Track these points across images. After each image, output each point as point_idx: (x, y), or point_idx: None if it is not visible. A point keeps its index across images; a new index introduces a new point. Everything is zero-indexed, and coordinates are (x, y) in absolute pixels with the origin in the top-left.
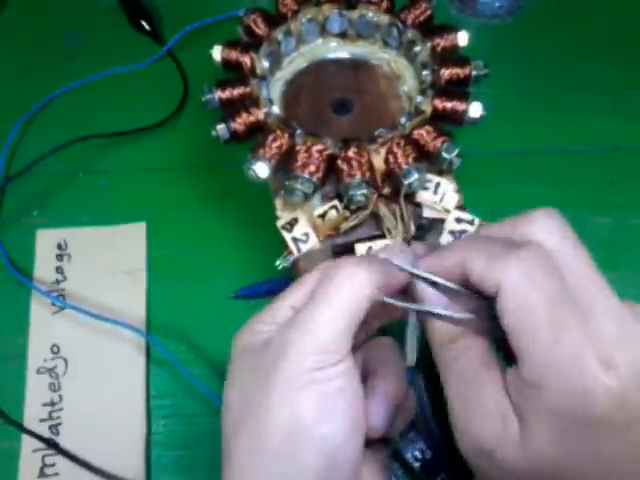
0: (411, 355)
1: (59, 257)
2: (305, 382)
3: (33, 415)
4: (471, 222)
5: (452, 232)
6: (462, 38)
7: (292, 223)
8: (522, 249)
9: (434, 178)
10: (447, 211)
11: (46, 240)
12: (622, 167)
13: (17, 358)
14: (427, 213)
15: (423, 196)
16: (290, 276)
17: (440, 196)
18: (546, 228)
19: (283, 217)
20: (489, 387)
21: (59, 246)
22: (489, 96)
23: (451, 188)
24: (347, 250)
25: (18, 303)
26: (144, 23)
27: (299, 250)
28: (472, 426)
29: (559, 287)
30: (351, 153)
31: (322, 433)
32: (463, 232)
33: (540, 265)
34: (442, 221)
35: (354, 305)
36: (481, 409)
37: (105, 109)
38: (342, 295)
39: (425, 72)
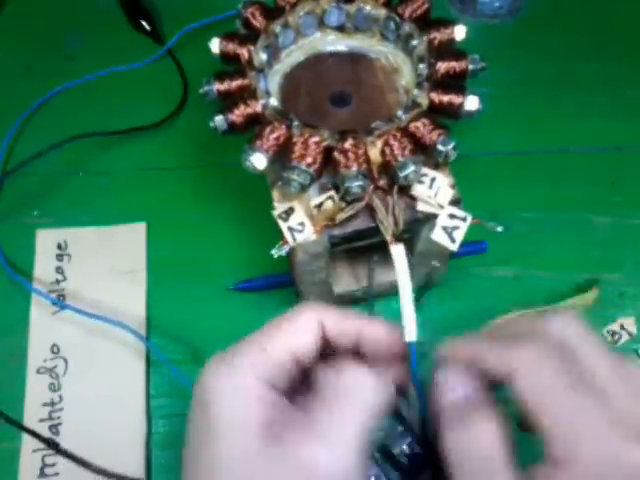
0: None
1: (59, 257)
2: None
3: (33, 415)
4: (463, 219)
5: (444, 228)
6: (459, 32)
7: (288, 212)
8: (533, 337)
9: (430, 172)
10: (441, 206)
11: (46, 240)
12: (622, 167)
13: (17, 358)
14: (421, 207)
15: (418, 190)
16: (287, 269)
17: (435, 191)
18: (565, 322)
19: (280, 207)
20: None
21: (59, 246)
22: (489, 96)
23: (446, 183)
24: (344, 241)
25: (18, 303)
26: (144, 23)
27: (294, 239)
28: None
29: (570, 369)
30: (348, 145)
31: None
32: (455, 228)
33: (551, 351)
34: (436, 216)
35: (372, 419)
36: None
37: (104, 109)
38: (361, 414)
39: (422, 65)
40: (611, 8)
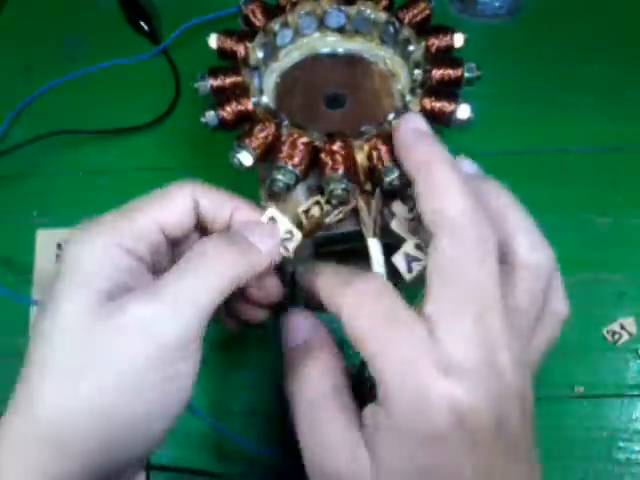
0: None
1: (59, 257)
2: (136, 377)
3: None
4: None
5: (406, 255)
6: (458, 40)
7: (270, 223)
8: (361, 275)
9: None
10: (412, 234)
11: (46, 240)
12: (622, 167)
13: (17, 358)
14: (394, 225)
15: (398, 208)
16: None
17: (412, 216)
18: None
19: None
20: (340, 420)
21: (59, 246)
22: (489, 96)
23: None
24: (330, 243)
25: (18, 304)
26: (143, 24)
27: (287, 249)
28: (324, 460)
29: (395, 303)
30: (336, 147)
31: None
32: (416, 260)
33: (376, 288)
34: (404, 240)
35: (217, 293)
36: (333, 443)
37: (103, 107)
38: (208, 283)
39: (417, 71)
40: (611, 8)
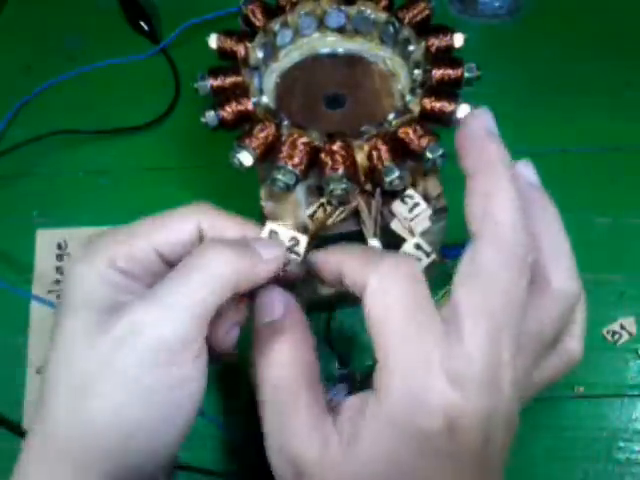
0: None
1: (59, 257)
2: (143, 385)
3: (33, 416)
4: (427, 254)
5: (406, 254)
6: (458, 40)
7: (272, 237)
8: (393, 257)
9: (415, 197)
10: (412, 234)
11: (46, 240)
12: (622, 167)
13: (17, 358)
14: (394, 225)
15: (397, 208)
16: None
17: (412, 216)
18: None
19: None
20: (311, 405)
21: (59, 246)
22: (489, 96)
23: (428, 214)
24: (326, 242)
25: (18, 303)
26: (143, 24)
27: (298, 254)
28: (291, 445)
29: (422, 296)
30: (336, 147)
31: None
32: (416, 259)
33: (406, 273)
34: (404, 240)
35: (216, 293)
36: (302, 428)
37: (103, 107)
38: (206, 281)
39: (417, 71)
40: (611, 8)
